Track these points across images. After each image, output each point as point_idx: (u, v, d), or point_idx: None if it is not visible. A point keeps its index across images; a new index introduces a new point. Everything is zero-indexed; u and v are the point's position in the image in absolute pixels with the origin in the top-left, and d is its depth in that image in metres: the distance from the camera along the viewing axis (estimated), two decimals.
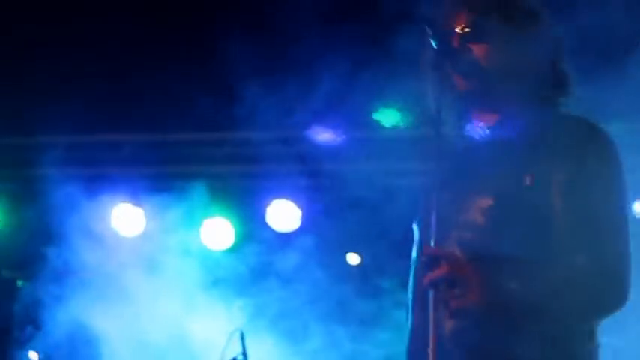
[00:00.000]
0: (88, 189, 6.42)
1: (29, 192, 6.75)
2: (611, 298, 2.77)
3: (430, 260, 2.72)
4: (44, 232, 6.52)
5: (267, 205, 6.99)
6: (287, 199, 7.01)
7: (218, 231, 6.99)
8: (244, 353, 5.26)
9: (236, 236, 7.04)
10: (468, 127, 3.08)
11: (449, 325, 2.75)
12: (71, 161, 6.37)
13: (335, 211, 6.90)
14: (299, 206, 7.03)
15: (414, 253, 3.08)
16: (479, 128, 3.06)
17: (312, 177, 6.97)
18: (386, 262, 6.66)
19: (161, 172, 6.70)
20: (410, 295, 3.13)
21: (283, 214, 7.02)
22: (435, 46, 2.89)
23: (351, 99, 5.96)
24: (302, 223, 7.01)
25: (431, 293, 2.69)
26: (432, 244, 2.75)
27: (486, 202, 2.85)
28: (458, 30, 2.96)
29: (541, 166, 2.84)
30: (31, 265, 6.81)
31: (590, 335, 2.82)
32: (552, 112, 3.01)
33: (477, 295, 2.68)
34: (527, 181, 2.82)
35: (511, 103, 3.00)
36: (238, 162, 6.75)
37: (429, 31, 2.90)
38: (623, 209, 2.84)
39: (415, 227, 3.13)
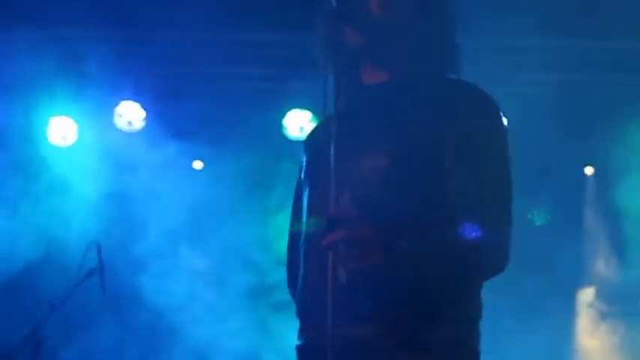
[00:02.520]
0: None
1: None
2: (499, 259, 2.89)
3: (330, 222, 2.75)
4: None
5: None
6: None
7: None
8: (101, 266, 5.22)
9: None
10: (358, 84, 3.10)
11: (343, 280, 2.77)
12: None
13: None
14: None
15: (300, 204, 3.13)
16: (368, 86, 3.09)
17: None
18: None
19: None
20: (290, 241, 3.20)
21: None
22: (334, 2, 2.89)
23: None
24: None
25: (330, 254, 2.71)
26: (331, 205, 2.77)
27: (380, 161, 2.90)
28: None
29: (431, 127, 2.91)
30: None
31: (476, 303, 2.95)
32: (441, 75, 3.07)
33: (375, 257, 2.76)
34: (419, 141, 2.92)
35: (402, 62, 3.05)
36: None
37: None
38: (509, 170, 2.95)
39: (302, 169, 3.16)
